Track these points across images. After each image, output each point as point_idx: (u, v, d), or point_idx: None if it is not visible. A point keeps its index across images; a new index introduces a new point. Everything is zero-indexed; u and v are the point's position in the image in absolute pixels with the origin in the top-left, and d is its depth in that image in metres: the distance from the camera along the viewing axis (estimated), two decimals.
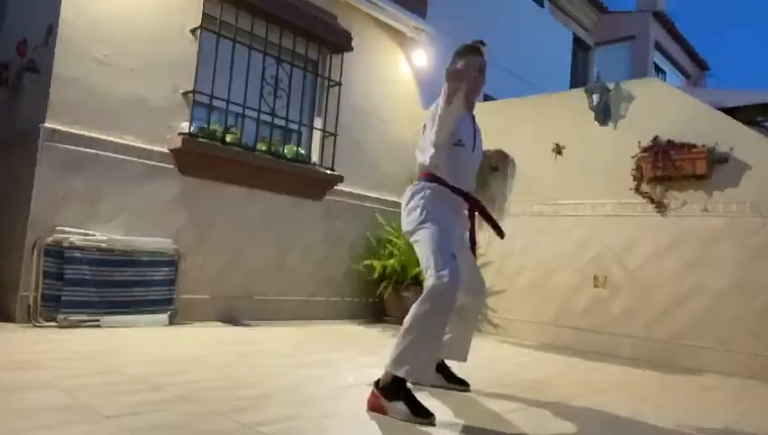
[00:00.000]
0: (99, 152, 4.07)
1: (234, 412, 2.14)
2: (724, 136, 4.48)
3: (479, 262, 3.31)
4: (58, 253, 3.82)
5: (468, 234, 2.83)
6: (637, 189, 4.83)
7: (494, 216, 2.86)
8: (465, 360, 2.94)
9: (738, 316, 4.29)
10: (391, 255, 5.56)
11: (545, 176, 5.40)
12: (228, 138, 4.72)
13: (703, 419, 2.79)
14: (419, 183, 2.66)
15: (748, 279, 4.28)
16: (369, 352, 3.89)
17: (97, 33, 4.09)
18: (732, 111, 5.01)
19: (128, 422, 1.92)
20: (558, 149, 5.38)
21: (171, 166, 4.45)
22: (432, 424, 2.22)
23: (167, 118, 4.43)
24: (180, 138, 4.38)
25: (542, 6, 11.03)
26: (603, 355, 4.67)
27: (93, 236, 4.00)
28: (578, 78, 12.07)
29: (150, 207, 4.34)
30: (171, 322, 4.23)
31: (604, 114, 5.10)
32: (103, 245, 4.01)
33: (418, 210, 2.57)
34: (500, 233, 2.81)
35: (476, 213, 2.77)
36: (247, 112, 4.90)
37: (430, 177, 2.65)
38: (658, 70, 15.58)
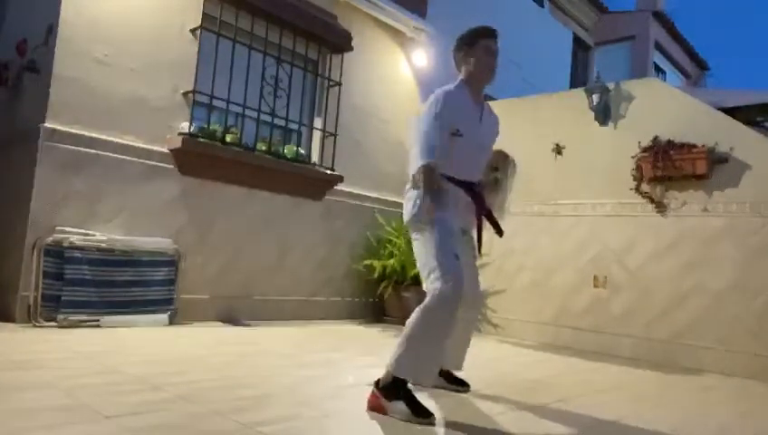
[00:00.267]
0: (99, 152, 4.07)
1: (234, 412, 2.14)
2: (724, 136, 4.48)
3: (481, 262, 3.30)
4: (58, 253, 3.82)
5: (475, 231, 2.79)
6: (637, 189, 4.84)
7: (494, 215, 2.85)
8: (460, 368, 2.92)
9: (738, 316, 4.29)
10: (391, 255, 5.56)
11: (545, 176, 5.40)
12: (228, 138, 4.72)
13: (703, 419, 2.79)
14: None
15: (748, 279, 4.28)
16: (369, 352, 3.90)
17: (97, 33, 4.09)
18: (732, 111, 5.01)
19: (128, 422, 1.92)
20: (558, 149, 5.38)
21: (171, 166, 4.45)
22: (432, 424, 2.22)
23: (167, 118, 4.43)
24: (180, 138, 4.38)
25: (542, 6, 11.02)
26: (603, 355, 4.67)
27: (93, 236, 4.00)
28: (578, 78, 12.05)
29: (150, 207, 4.34)
30: (171, 322, 4.23)
31: (604, 114, 5.10)
32: (103, 245, 4.01)
33: (417, 200, 2.52)
34: (499, 231, 2.80)
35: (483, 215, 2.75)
36: (247, 112, 4.90)
37: None
38: (658, 70, 15.57)
